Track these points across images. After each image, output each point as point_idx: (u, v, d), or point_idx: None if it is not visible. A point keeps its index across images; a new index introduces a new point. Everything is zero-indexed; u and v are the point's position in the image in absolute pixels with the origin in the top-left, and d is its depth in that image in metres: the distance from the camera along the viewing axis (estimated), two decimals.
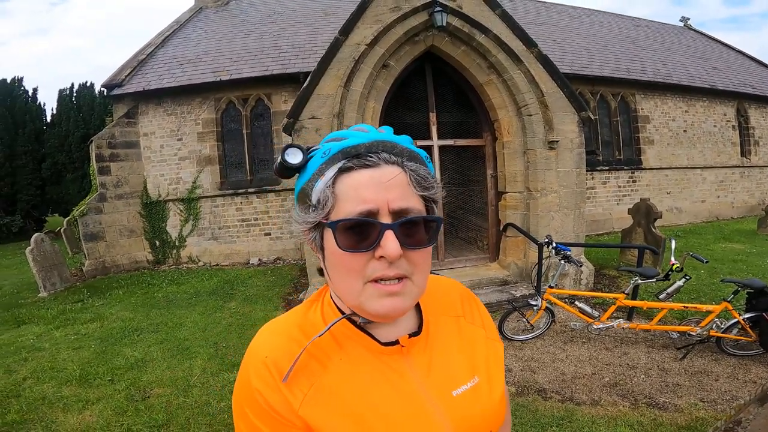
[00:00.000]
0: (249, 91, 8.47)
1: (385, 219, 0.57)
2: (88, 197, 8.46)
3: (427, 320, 0.71)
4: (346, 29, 4.96)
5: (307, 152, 0.63)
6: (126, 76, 8.42)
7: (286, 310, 3.83)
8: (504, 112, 5.53)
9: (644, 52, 12.02)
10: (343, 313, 0.65)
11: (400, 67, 5.29)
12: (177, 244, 8.58)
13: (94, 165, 8.23)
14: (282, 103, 8.43)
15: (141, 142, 8.50)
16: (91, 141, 8.36)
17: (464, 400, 0.66)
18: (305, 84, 5.07)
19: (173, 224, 8.58)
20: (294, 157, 0.63)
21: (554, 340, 3.99)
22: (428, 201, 0.62)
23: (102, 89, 8.97)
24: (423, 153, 0.65)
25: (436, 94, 5.74)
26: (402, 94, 5.74)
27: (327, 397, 0.60)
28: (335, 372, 0.62)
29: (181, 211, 8.56)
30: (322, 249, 0.63)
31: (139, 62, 8.94)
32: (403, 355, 0.66)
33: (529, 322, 4.04)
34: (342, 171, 0.59)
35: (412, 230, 0.58)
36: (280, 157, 0.63)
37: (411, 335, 0.67)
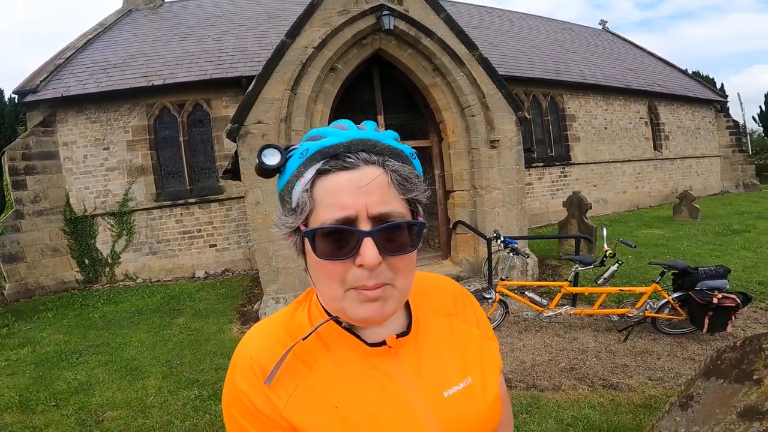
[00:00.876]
0: (186, 97, 8.04)
1: (364, 225, 0.55)
2: (2, 215, 7.58)
3: (417, 320, 0.69)
4: (294, 32, 4.88)
5: (285, 152, 0.61)
6: (41, 82, 7.65)
7: (241, 323, 3.69)
8: (449, 114, 5.71)
9: (569, 55, 12.98)
10: (329, 314, 0.64)
11: (348, 70, 5.30)
12: (110, 261, 7.93)
13: (7, 179, 7.40)
14: (223, 108, 8.10)
15: (60, 153, 7.77)
16: (3, 152, 7.50)
17: (456, 401, 0.64)
18: (250, 88, 4.91)
19: (104, 240, 7.92)
20: (271, 159, 0.60)
21: (510, 331, 4.18)
22: (412, 203, 0.60)
23: (13, 96, 8.04)
24: (408, 149, 0.62)
25: (383, 96, 5.82)
26: (350, 97, 5.75)
27: (312, 399, 0.59)
28: (321, 373, 0.61)
29: (112, 226, 7.92)
30: (303, 253, 0.61)
31: (57, 67, 8.16)
32: (391, 356, 0.65)
33: None
34: (320, 173, 0.56)
35: (393, 235, 0.56)
36: (257, 158, 0.60)
37: (399, 335, 0.66)
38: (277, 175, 0.62)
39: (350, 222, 0.55)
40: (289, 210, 0.59)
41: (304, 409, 0.59)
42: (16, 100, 8.08)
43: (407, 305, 0.70)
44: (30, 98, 7.49)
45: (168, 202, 8.06)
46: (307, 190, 0.57)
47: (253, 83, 4.91)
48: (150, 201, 8.02)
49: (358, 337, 0.64)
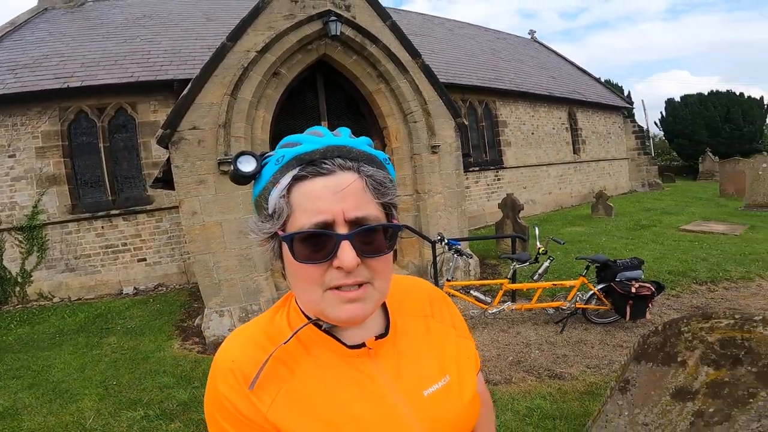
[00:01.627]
0: (107, 100, 7.38)
1: (341, 229, 0.57)
2: None
3: (395, 321, 0.71)
4: (236, 35, 4.70)
5: (261, 159, 0.61)
6: None
7: (183, 339, 3.50)
8: (392, 120, 5.82)
9: (502, 63, 13.76)
10: (309, 318, 0.65)
11: (292, 75, 5.20)
12: (20, 280, 7.07)
13: None
14: (151, 112, 7.55)
15: None
16: None
17: (435, 399, 0.66)
18: (185, 92, 4.65)
19: (11, 257, 7.05)
20: (247, 165, 0.61)
21: None
22: (387, 207, 0.62)
23: None
24: (382, 155, 0.64)
25: (327, 102, 5.78)
26: (293, 103, 5.64)
27: (295, 402, 0.60)
28: (303, 376, 0.62)
29: (20, 241, 7.07)
30: (281, 258, 0.62)
31: None
32: (371, 358, 0.66)
33: None
34: (296, 179, 0.58)
35: (369, 238, 0.58)
36: (233, 165, 0.61)
37: (378, 337, 0.67)
38: (252, 181, 0.62)
39: (328, 226, 0.57)
40: (265, 216, 0.60)
41: (287, 411, 0.59)
42: None
43: (384, 308, 0.72)
44: None
45: (86, 215, 7.35)
46: (284, 195, 0.58)
47: (188, 87, 4.66)
48: (65, 213, 7.27)
49: (338, 340, 0.65)
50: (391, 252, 0.62)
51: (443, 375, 0.69)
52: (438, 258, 5.24)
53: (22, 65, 7.46)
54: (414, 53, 5.68)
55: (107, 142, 7.52)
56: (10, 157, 7.03)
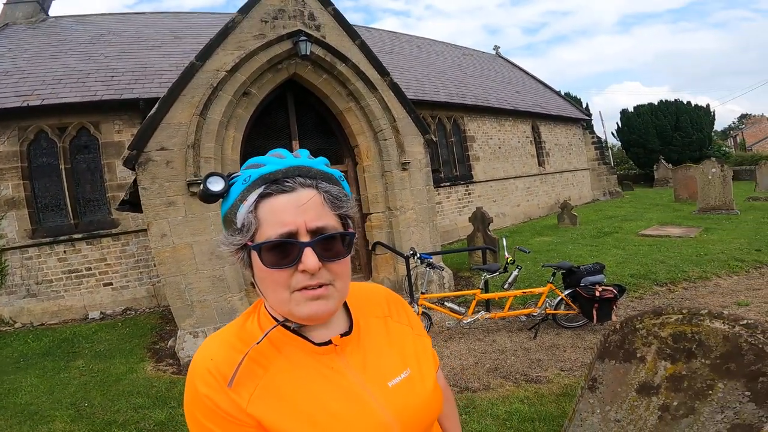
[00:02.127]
0: (68, 119, 7.17)
1: (304, 238, 0.64)
2: None
3: (357, 321, 0.78)
4: (205, 54, 4.72)
5: (228, 179, 0.68)
6: None
7: (156, 360, 3.45)
8: (363, 138, 5.92)
9: (469, 79, 14.11)
10: (277, 320, 0.71)
11: (262, 94, 5.24)
12: None
13: None
14: (115, 132, 7.38)
15: None
16: None
17: (400, 390, 0.73)
18: (152, 112, 4.61)
19: None
20: (216, 185, 0.68)
21: (436, 341, 4.40)
22: (343, 218, 0.71)
23: None
24: (337, 173, 0.73)
25: (298, 121, 5.83)
26: (264, 122, 5.66)
27: (272, 394, 0.66)
28: (276, 372, 0.68)
29: None
30: (250, 266, 0.69)
31: None
32: (338, 354, 0.72)
33: None
34: (262, 196, 0.65)
35: (329, 245, 0.66)
36: (202, 185, 0.68)
37: (343, 335, 0.74)
38: (220, 200, 0.69)
39: (292, 236, 0.64)
40: (234, 230, 0.67)
41: (266, 403, 0.65)
42: None
43: (347, 309, 0.80)
44: None
45: (47, 239, 7.06)
46: (251, 211, 0.65)
47: (156, 107, 4.62)
48: (24, 238, 6.96)
49: (306, 339, 0.71)
50: (348, 257, 0.70)
51: (405, 368, 0.76)
52: (412, 272, 5.33)
53: None
54: (383, 71, 5.83)
55: (69, 164, 7.28)
56: None
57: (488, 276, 4.65)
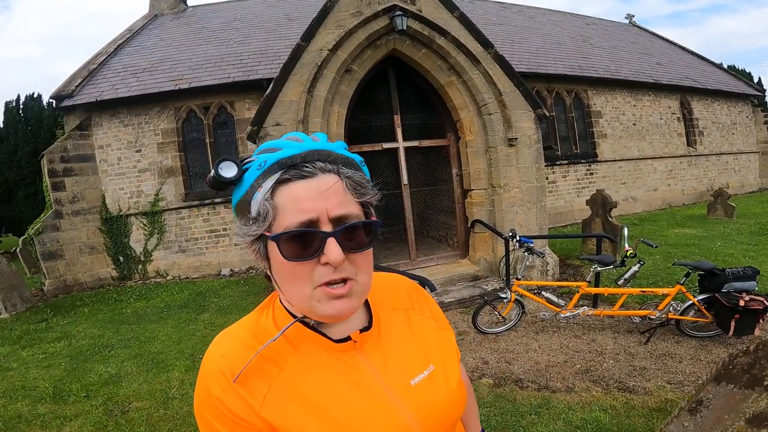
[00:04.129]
0: (210, 99, 8.29)
1: (326, 227, 0.59)
2: (42, 215, 8.03)
3: (377, 315, 0.73)
4: (308, 35, 4.97)
5: (241, 165, 0.63)
6: (77, 87, 8.06)
7: None
8: (465, 112, 5.67)
9: (594, 50, 12.59)
10: (294, 316, 0.67)
11: (363, 71, 5.34)
12: (142, 259, 8.28)
13: (47, 181, 7.83)
14: (246, 110, 8.30)
15: (96, 155, 8.16)
16: (42, 155, 7.96)
17: (423, 388, 0.68)
18: (268, 91, 5.03)
19: (137, 239, 8.28)
20: (228, 171, 0.62)
21: (526, 331, 4.13)
22: (365, 205, 0.65)
23: (51, 100, 8.50)
24: (357, 158, 0.67)
25: (399, 96, 5.82)
26: (366, 98, 5.79)
27: (287, 396, 0.62)
28: (292, 372, 0.64)
29: (144, 225, 8.27)
30: (267, 259, 0.64)
31: (90, 72, 8.58)
32: (358, 351, 0.68)
33: (501, 315, 4.16)
34: (279, 182, 0.60)
35: (352, 235, 0.61)
36: (213, 171, 0.62)
37: (362, 330, 0.69)
38: (233, 187, 0.64)
39: (313, 224, 0.59)
40: (249, 219, 0.62)
41: (280, 406, 0.61)
42: (54, 105, 8.51)
43: (366, 302, 0.74)
44: (66, 103, 7.90)
45: (196, 202, 8.34)
46: (268, 198, 0.60)
47: (271, 86, 5.02)
48: (179, 201, 8.32)
49: (324, 335, 0.67)
50: (371, 248, 0.65)
51: (428, 364, 0.71)
52: (511, 255, 5.01)
53: (142, 69, 8.68)
54: (486, 43, 5.46)
55: (212, 138, 8.45)
56: (137, 152, 8.24)
57: (600, 268, 4.10)
